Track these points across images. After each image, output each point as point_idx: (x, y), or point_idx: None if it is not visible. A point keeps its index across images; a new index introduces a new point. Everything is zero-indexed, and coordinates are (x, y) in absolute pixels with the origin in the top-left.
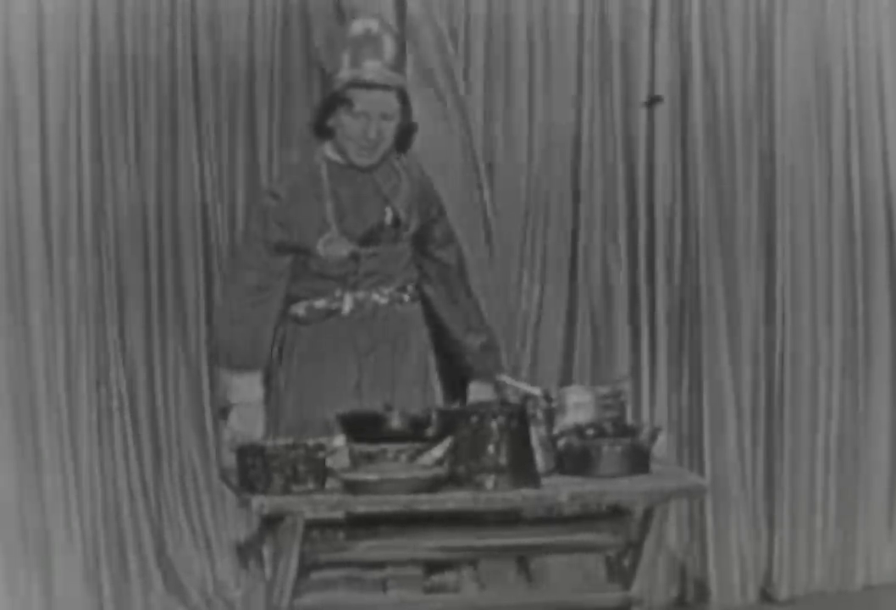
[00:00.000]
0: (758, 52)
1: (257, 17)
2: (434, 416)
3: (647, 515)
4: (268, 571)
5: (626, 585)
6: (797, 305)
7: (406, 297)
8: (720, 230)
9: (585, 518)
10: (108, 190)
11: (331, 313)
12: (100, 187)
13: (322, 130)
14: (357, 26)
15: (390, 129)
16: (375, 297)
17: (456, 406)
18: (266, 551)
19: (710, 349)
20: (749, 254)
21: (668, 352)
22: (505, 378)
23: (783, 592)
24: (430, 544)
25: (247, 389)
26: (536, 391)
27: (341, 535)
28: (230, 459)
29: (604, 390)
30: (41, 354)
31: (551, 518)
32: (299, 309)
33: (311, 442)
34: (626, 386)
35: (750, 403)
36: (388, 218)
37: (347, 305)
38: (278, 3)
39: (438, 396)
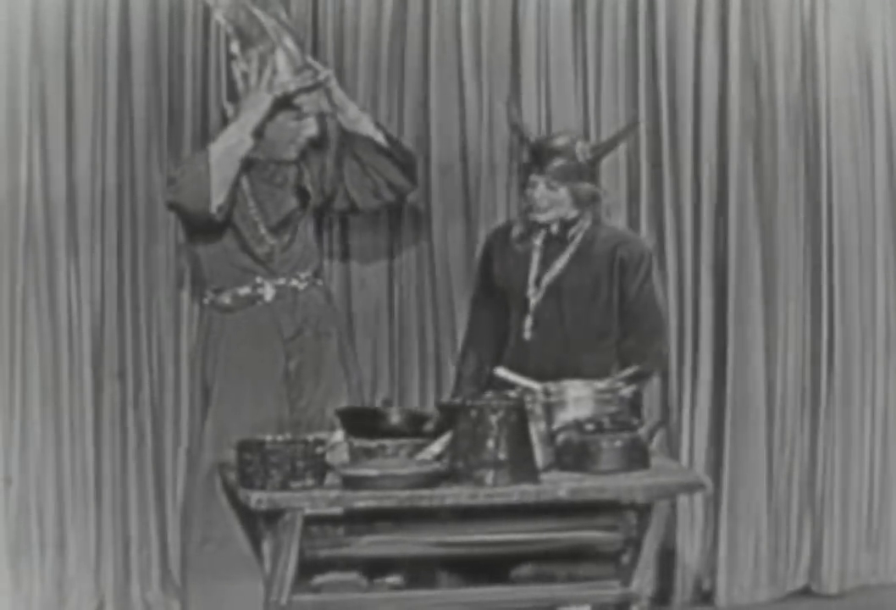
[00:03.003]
0: (801, 47)
1: None
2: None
3: (647, 510)
4: (267, 566)
5: (626, 581)
6: (843, 301)
7: (320, 282)
8: (762, 230)
9: (584, 514)
10: (138, 184)
11: (254, 300)
12: (128, 181)
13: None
14: (263, 20)
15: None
16: (294, 282)
17: (456, 401)
18: (265, 547)
19: (743, 348)
20: (791, 251)
21: (695, 347)
22: (503, 372)
23: (832, 587)
24: (429, 540)
25: (218, 144)
26: (535, 386)
27: (340, 530)
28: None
29: (602, 385)
30: (66, 347)
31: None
32: (224, 298)
33: (310, 438)
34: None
35: (783, 398)
36: (299, 201)
37: (269, 293)
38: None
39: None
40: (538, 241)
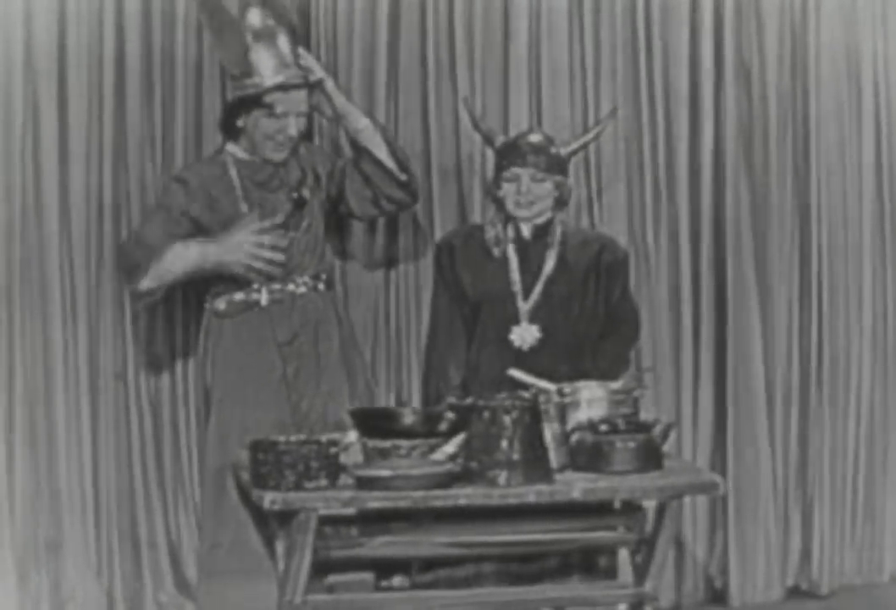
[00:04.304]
0: (791, 49)
1: None
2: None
3: (661, 511)
4: (280, 567)
5: (640, 581)
6: (832, 303)
7: (321, 286)
8: (754, 230)
9: (599, 514)
10: (132, 187)
11: (250, 306)
12: (123, 184)
13: (229, 131)
14: (253, 21)
15: (304, 123)
16: (291, 287)
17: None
18: (279, 547)
19: (742, 346)
20: (783, 251)
21: (696, 348)
22: (516, 373)
23: (822, 588)
24: (442, 540)
25: (181, 248)
26: (549, 387)
27: (354, 531)
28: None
29: (616, 386)
30: (61, 348)
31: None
32: (220, 303)
33: (323, 438)
34: (647, 379)
35: (781, 398)
36: (294, 206)
37: (264, 298)
38: None
39: (360, 384)
40: (511, 246)
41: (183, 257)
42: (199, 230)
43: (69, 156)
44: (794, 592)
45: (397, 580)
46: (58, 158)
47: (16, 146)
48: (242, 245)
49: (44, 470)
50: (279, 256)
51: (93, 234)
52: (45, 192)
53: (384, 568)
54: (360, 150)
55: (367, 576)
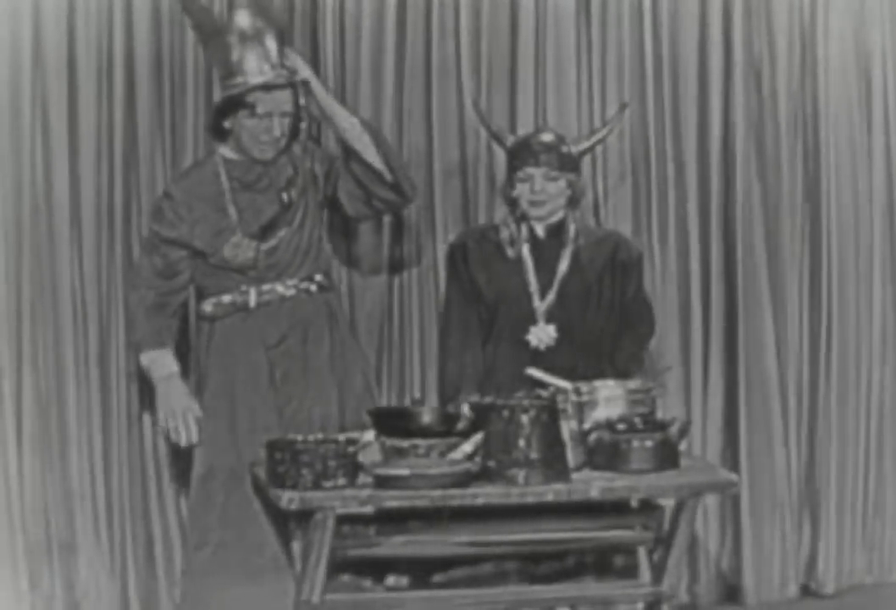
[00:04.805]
0: (801, 48)
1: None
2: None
3: (678, 509)
4: (297, 566)
5: (657, 580)
6: (842, 299)
7: (313, 287)
8: (766, 229)
9: (616, 513)
10: (143, 188)
11: (238, 308)
12: (134, 183)
13: (218, 132)
14: (240, 22)
15: (288, 123)
16: (280, 288)
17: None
18: (296, 547)
19: (753, 344)
20: (793, 249)
21: (706, 349)
22: (535, 372)
23: (829, 587)
24: (460, 540)
25: (160, 362)
26: (567, 386)
27: (372, 530)
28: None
29: (634, 385)
30: (72, 348)
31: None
32: (207, 306)
33: (341, 437)
34: (666, 379)
35: (794, 396)
36: (280, 206)
37: (253, 299)
38: None
39: (357, 385)
40: (526, 246)
41: (148, 369)
42: (192, 251)
43: (79, 155)
44: (804, 591)
45: (392, 580)
46: (68, 158)
47: (25, 146)
48: (179, 407)
49: (56, 470)
50: (182, 441)
51: (103, 234)
52: (55, 191)
53: (380, 568)
54: (348, 151)
55: (351, 578)
